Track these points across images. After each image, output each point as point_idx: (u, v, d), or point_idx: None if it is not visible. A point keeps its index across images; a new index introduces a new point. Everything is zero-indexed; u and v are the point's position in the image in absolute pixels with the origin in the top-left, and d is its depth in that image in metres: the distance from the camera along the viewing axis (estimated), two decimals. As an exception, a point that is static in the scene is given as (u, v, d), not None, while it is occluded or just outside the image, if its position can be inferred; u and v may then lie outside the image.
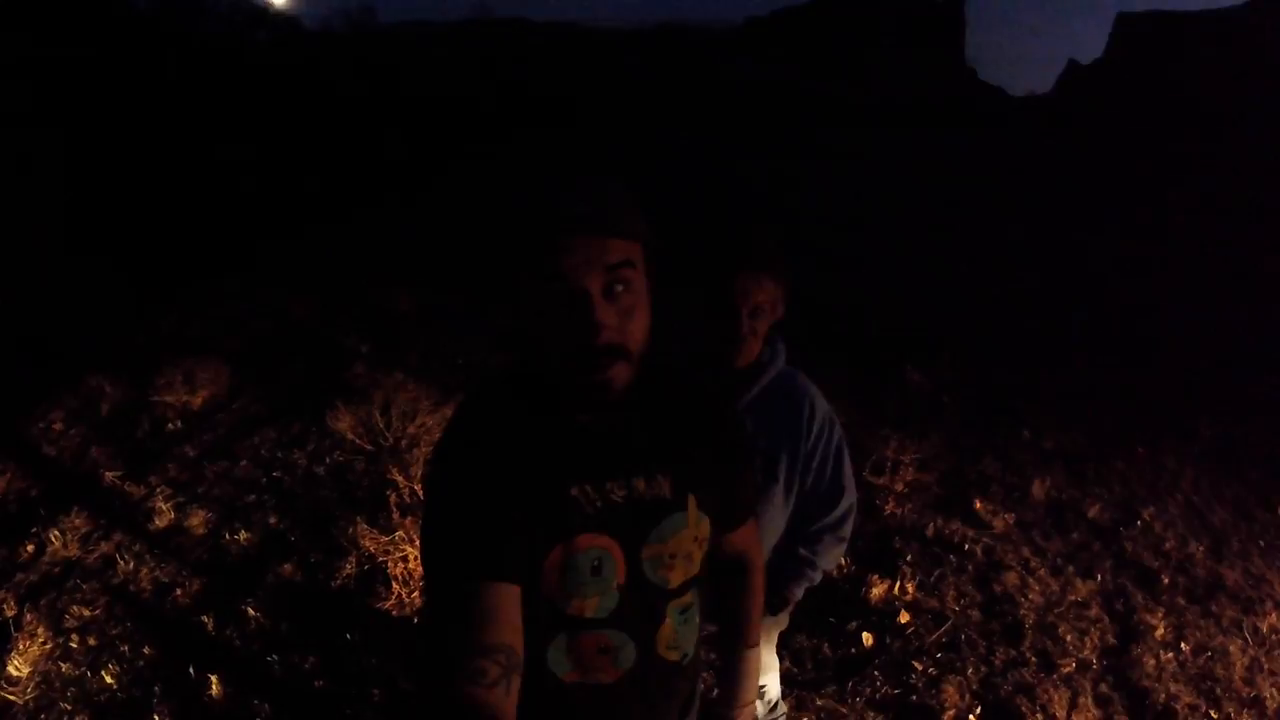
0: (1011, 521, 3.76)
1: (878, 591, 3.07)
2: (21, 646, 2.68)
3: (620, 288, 0.81)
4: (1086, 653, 2.88)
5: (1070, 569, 3.43)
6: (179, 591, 2.93)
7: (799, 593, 1.64)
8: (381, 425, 3.95)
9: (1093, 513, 3.95)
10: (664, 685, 1.03)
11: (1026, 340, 7.23)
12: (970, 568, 3.35)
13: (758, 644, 1.23)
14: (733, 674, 1.21)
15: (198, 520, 3.35)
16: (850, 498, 1.60)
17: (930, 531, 3.59)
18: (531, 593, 0.86)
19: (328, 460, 3.83)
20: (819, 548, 1.59)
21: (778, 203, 12.83)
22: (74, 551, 3.14)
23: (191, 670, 2.52)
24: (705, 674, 1.31)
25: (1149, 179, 16.72)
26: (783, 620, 1.81)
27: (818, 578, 1.62)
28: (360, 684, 2.49)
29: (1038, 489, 4.09)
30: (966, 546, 3.49)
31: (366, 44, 20.41)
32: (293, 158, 11.52)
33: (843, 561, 3.27)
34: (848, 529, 1.62)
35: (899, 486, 3.96)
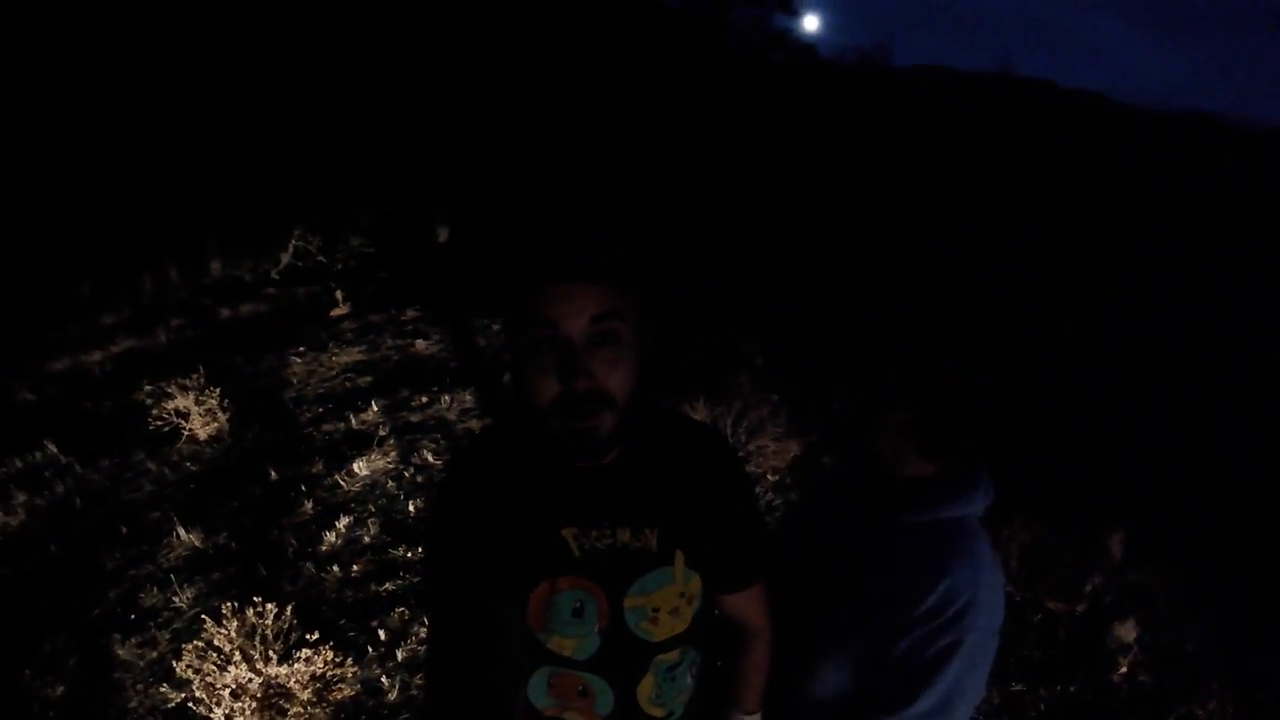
0: None
1: None
2: (373, 458, 3.44)
3: (604, 339, 0.80)
4: None
5: None
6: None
7: None
8: (728, 429, 3.98)
9: None
10: None
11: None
12: None
13: (755, 712, 1.13)
14: None
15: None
16: (924, 706, 1.04)
17: None
18: (518, 625, 0.90)
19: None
20: None
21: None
22: (452, 416, 3.88)
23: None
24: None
25: None
26: None
27: None
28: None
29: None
30: None
31: (879, 79, 20.70)
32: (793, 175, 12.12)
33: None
34: None
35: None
